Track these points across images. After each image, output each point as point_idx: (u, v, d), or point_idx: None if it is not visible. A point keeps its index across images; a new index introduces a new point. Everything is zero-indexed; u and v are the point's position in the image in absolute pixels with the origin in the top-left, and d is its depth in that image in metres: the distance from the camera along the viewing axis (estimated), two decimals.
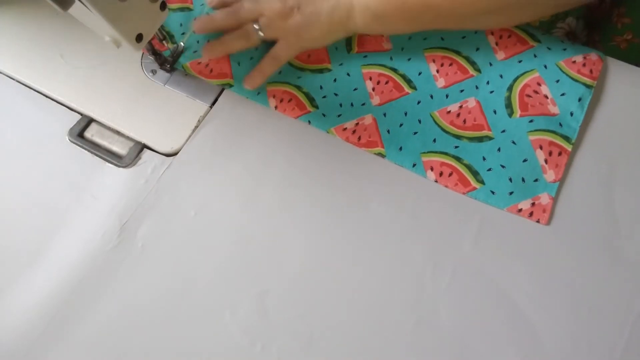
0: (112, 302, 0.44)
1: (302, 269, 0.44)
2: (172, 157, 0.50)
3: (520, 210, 0.45)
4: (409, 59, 0.52)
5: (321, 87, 0.52)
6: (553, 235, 0.45)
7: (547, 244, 0.44)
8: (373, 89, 0.51)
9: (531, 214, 0.45)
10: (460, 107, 0.50)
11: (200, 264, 0.45)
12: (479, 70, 0.51)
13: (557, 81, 0.49)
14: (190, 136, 0.51)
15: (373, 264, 0.44)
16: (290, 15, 0.50)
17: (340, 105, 0.51)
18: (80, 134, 0.52)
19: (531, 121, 0.48)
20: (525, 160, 0.47)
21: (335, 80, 0.52)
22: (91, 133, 0.52)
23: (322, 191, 0.47)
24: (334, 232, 0.46)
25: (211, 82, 0.52)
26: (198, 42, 0.54)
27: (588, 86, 0.49)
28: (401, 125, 0.49)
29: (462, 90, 0.50)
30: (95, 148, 0.51)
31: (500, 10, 0.48)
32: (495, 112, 0.49)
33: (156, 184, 0.49)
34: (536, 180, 0.46)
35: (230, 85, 0.52)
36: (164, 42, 0.51)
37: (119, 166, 0.50)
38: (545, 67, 0.50)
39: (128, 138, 0.51)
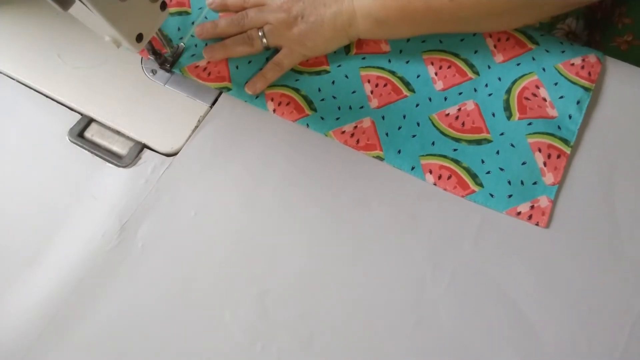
0: (112, 302, 0.44)
1: (302, 269, 0.44)
2: (172, 157, 0.50)
3: (519, 213, 0.45)
4: (408, 62, 0.52)
5: (319, 90, 0.52)
6: (553, 235, 0.45)
7: (547, 244, 0.44)
8: (371, 92, 0.51)
9: (530, 217, 0.45)
10: (459, 109, 0.50)
11: (200, 264, 0.45)
12: (477, 73, 0.51)
13: (556, 84, 0.49)
14: (190, 136, 0.51)
15: (373, 264, 0.44)
16: (294, 24, 0.50)
17: (339, 108, 0.51)
18: (80, 134, 0.52)
19: (530, 124, 0.48)
20: (524, 163, 0.47)
21: (333, 82, 0.52)
22: (91, 133, 0.52)
23: (322, 191, 0.47)
24: (334, 232, 0.46)
25: (209, 85, 0.52)
26: (196, 45, 0.54)
27: (586, 89, 0.49)
28: (400, 128, 0.49)
29: (460, 93, 0.50)
30: (95, 148, 0.51)
31: (501, 13, 0.48)
32: (493, 114, 0.49)
33: (156, 184, 0.49)
34: (535, 183, 0.46)
35: (229, 89, 0.52)
36: (163, 46, 0.51)
37: (119, 166, 0.50)
38: (544, 69, 0.50)
39: (128, 138, 0.51)
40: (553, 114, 0.48)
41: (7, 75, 0.55)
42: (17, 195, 0.49)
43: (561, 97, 0.49)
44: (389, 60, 0.53)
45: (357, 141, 0.49)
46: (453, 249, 0.44)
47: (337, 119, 0.50)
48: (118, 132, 0.52)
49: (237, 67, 0.53)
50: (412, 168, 0.47)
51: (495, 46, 0.52)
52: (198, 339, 0.42)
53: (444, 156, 0.48)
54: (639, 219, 0.45)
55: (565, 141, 0.47)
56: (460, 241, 0.45)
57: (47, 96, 0.54)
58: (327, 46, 0.52)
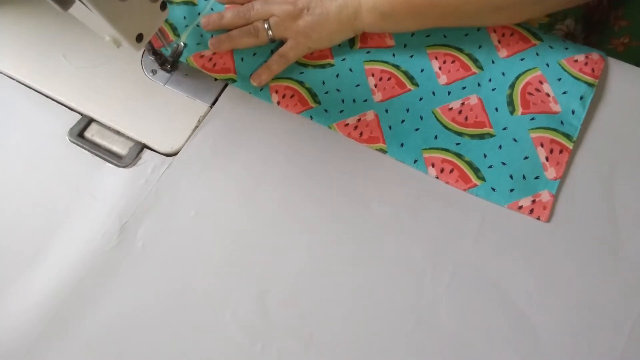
0: (112, 302, 0.44)
1: (302, 269, 0.44)
2: (172, 157, 0.50)
3: (520, 207, 0.45)
4: (412, 56, 0.53)
5: (323, 83, 0.52)
6: (553, 235, 0.45)
7: (547, 243, 0.44)
8: (375, 86, 0.51)
9: (532, 211, 0.45)
10: (462, 104, 0.50)
11: (200, 264, 0.45)
12: (481, 68, 0.51)
13: (559, 79, 0.50)
14: (190, 136, 0.51)
15: (373, 264, 0.44)
16: (300, 16, 0.51)
17: (343, 101, 0.51)
18: (80, 134, 0.52)
19: (532, 119, 0.48)
20: (526, 158, 0.47)
21: (337, 76, 0.52)
22: (91, 133, 0.52)
23: (322, 191, 0.47)
24: (334, 232, 0.46)
25: (214, 76, 0.53)
26: (202, 35, 0.54)
27: (590, 85, 0.49)
28: (403, 121, 0.49)
29: (464, 88, 0.51)
30: (95, 148, 0.51)
31: (506, 7, 0.48)
32: (496, 109, 0.49)
33: (156, 184, 0.49)
34: (537, 177, 0.46)
35: (234, 81, 0.52)
36: (167, 37, 0.51)
37: (119, 166, 0.50)
38: (547, 65, 0.50)
39: (128, 138, 0.51)
40: (556, 109, 0.49)
41: (8, 76, 0.55)
42: (17, 195, 0.49)
43: (564, 92, 0.49)
44: (393, 55, 0.53)
45: (361, 134, 0.49)
46: (453, 249, 0.44)
47: (341, 111, 0.50)
48: (118, 132, 0.52)
49: (242, 59, 0.53)
50: (415, 161, 0.48)
51: (499, 41, 0.52)
52: (198, 339, 0.42)
53: (447, 150, 0.48)
54: (639, 218, 0.45)
55: (568, 136, 0.47)
56: (460, 241, 0.45)
57: (47, 96, 0.54)
58: (332, 39, 0.52)
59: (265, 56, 0.53)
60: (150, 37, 0.46)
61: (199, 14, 0.56)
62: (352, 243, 0.45)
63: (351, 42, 0.54)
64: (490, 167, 0.47)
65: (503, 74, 0.51)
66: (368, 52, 0.53)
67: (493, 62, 0.51)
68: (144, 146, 0.51)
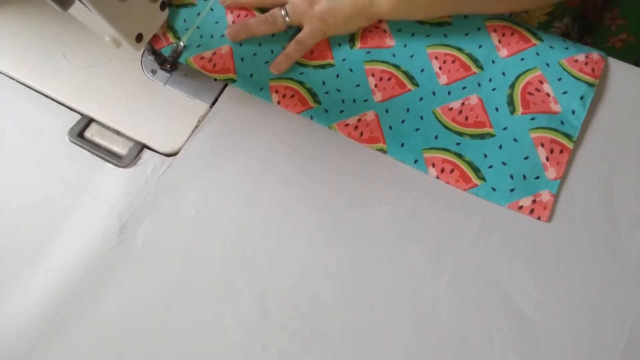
0: (112, 302, 0.44)
1: (302, 269, 0.44)
2: (172, 157, 0.50)
3: (521, 207, 0.45)
4: (412, 56, 0.53)
5: (324, 83, 0.52)
6: (553, 235, 0.44)
7: (547, 244, 0.44)
8: (375, 86, 0.51)
9: (532, 211, 0.45)
10: (462, 104, 0.50)
11: (200, 264, 0.45)
12: (481, 68, 0.51)
13: (559, 79, 0.50)
14: (190, 136, 0.51)
15: (373, 264, 0.44)
16: (316, 1, 0.52)
17: (343, 101, 0.51)
18: (80, 134, 0.52)
19: (533, 119, 0.48)
20: (526, 158, 0.47)
21: (337, 76, 0.52)
22: (91, 133, 0.52)
23: (322, 191, 0.47)
24: (334, 232, 0.46)
25: (214, 77, 0.53)
26: (202, 36, 0.54)
27: (590, 84, 0.49)
28: (403, 121, 0.49)
29: (464, 88, 0.51)
30: (95, 148, 0.51)
31: None
32: (497, 109, 0.49)
33: (156, 184, 0.49)
34: (537, 177, 0.46)
35: (233, 81, 0.52)
36: (167, 35, 0.52)
37: (119, 166, 0.50)
38: (548, 65, 0.50)
39: (128, 138, 0.51)
40: (556, 109, 0.49)
41: (8, 76, 0.55)
42: (17, 195, 0.49)
43: (565, 92, 0.49)
44: (394, 55, 0.53)
45: (361, 134, 0.49)
46: (453, 249, 0.44)
47: (341, 111, 0.50)
48: (118, 132, 0.52)
49: (242, 59, 0.53)
50: (415, 161, 0.48)
51: (499, 41, 0.52)
52: (198, 339, 0.42)
53: (447, 150, 0.48)
54: (639, 218, 0.45)
55: (568, 136, 0.47)
56: (460, 241, 0.45)
57: (47, 96, 0.54)
58: (347, 25, 0.53)
59: (266, 56, 0.53)
60: (150, 37, 0.46)
61: (198, 14, 0.56)
62: (352, 243, 0.45)
63: (351, 42, 0.54)
64: (491, 167, 0.47)
65: (503, 73, 0.51)
66: (368, 52, 0.53)
67: (493, 61, 0.51)
68: (144, 146, 0.51)
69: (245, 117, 0.51)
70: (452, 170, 0.47)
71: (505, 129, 0.48)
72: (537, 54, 0.51)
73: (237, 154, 0.50)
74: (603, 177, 0.46)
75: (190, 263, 0.45)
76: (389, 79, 0.52)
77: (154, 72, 0.54)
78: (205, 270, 0.45)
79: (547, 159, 0.47)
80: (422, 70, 0.52)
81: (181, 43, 0.54)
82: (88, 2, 0.39)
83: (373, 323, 0.42)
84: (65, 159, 0.51)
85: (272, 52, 0.54)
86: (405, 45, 0.53)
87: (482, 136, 0.48)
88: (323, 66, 0.53)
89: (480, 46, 0.52)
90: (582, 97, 0.49)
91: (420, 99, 0.50)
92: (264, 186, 0.48)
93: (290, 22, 0.53)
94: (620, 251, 0.43)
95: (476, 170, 0.47)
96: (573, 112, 0.48)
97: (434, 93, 0.51)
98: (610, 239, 0.44)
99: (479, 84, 0.51)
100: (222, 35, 0.54)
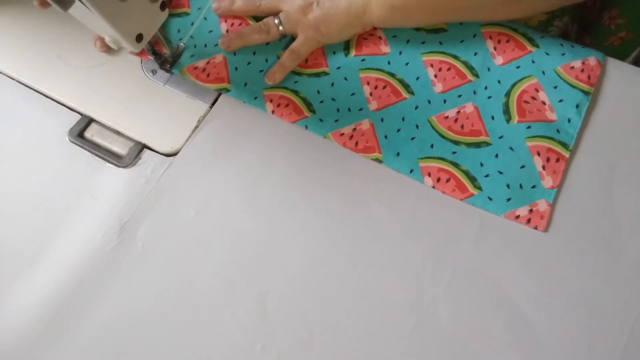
0: (112, 302, 0.44)
1: (302, 269, 0.44)
2: (172, 157, 0.50)
3: (517, 216, 0.45)
4: (407, 64, 0.52)
5: (318, 92, 0.52)
6: (553, 235, 0.45)
7: (547, 244, 0.44)
8: (370, 94, 0.51)
9: (529, 221, 0.45)
10: (458, 112, 0.50)
11: (200, 264, 0.45)
12: (477, 75, 0.51)
13: (555, 87, 0.49)
14: (190, 136, 0.51)
15: (373, 264, 0.44)
16: (309, 9, 0.51)
17: (338, 110, 0.51)
18: (80, 134, 0.52)
19: (529, 127, 0.48)
20: (522, 167, 0.47)
21: (332, 84, 0.52)
22: (91, 133, 0.52)
23: (321, 191, 0.47)
24: (334, 232, 0.46)
25: (208, 86, 0.52)
26: (195, 46, 0.54)
27: (586, 92, 0.49)
28: (398, 130, 0.49)
29: (460, 96, 0.50)
30: (95, 148, 0.51)
31: None
32: (493, 117, 0.49)
33: (156, 184, 0.49)
34: (534, 186, 0.46)
35: (227, 90, 0.52)
36: (163, 47, 0.51)
37: (119, 166, 0.50)
38: (543, 73, 0.50)
39: (128, 138, 0.51)
40: (552, 117, 0.48)
41: (7, 76, 0.55)
42: (17, 195, 0.49)
43: (560, 100, 0.49)
44: (389, 62, 0.52)
45: (356, 143, 0.49)
46: (453, 250, 0.44)
47: (336, 120, 0.50)
48: (118, 132, 0.52)
49: (236, 69, 0.53)
50: (411, 171, 0.47)
51: (495, 48, 0.52)
52: (198, 339, 0.42)
53: (443, 159, 0.48)
54: (638, 221, 0.45)
55: (565, 145, 0.47)
56: (460, 242, 0.45)
57: (47, 96, 0.54)
58: (341, 33, 0.52)
59: (260, 65, 0.53)
60: (150, 37, 0.46)
61: (192, 23, 0.55)
62: (352, 243, 0.45)
63: (346, 50, 0.53)
64: (487, 176, 0.47)
65: (499, 81, 0.51)
66: (363, 60, 0.53)
67: (489, 69, 0.51)
68: (144, 146, 0.51)
69: (245, 118, 0.51)
70: (448, 180, 0.47)
71: (501, 137, 0.48)
72: (533, 62, 0.51)
73: (237, 154, 0.50)
74: (602, 177, 0.46)
75: (190, 263, 0.45)
76: (384, 87, 0.51)
77: (154, 72, 0.54)
78: (205, 271, 0.45)
79: (544, 167, 0.46)
80: (418, 78, 0.51)
81: (181, 44, 0.54)
82: (88, 2, 0.39)
83: (373, 323, 0.42)
84: (65, 159, 0.51)
85: (266, 60, 0.53)
86: (400, 53, 0.53)
87: (478, 145, 0.48)
88: (318, 74, 0.53)
89: (475, 53, 0.52)
90: (577, 106, 0.48)
91: (416, 108, 0.50)
92: (263, 186, 0.48)
93: (284, 31, 0.53)
94: (620, 251, 0.43)
95: (472, 180, 0.47)
96: (569, 121, 0.48)
97: (429, 101, 0.50)
98: (610, 239, 0.44)
99: (474, 92, 0.50)
100: (216, 45, 0.54)
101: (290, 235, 0.46)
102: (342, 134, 0.49)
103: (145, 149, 0.51)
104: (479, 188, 0.46)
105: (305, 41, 0.52)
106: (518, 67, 0.51)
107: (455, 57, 0.52)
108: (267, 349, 0.42)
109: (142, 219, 0.47)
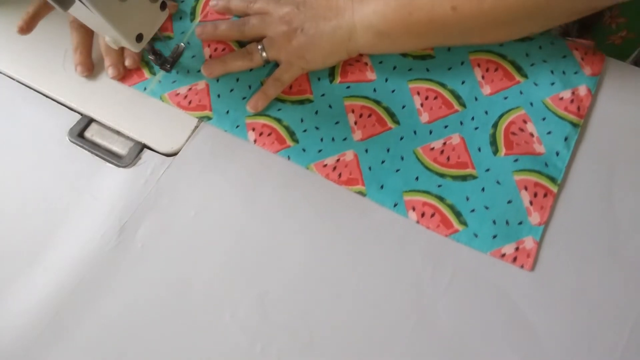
0: (112, 302, 0.44)
1: (302, 269, 0.44)
2: (172, 157, 0.50)
3: (503, 255, 0.44)
4: (393, 91, 0.51)
5: (302, 120, 0.50)
6: (553, 235, 0.44)
7: (547, 244, 0.44)
8: (355, 123, 0.50)
9: (515, 259, 0.43)
10: (444, 143, 0.48)
11: (200, 264, 0.45)
12: (464, 105, 0.50)
13: (543, 119, 0.48)
14: (190, 136, 0.51)
15: (372, 264, 0.44)
16: (293, 36, 0.49)
17: (321, 139, 0.49)
18: (80, 134, 0.52)
19: (516, 160, 0.47)
20: (509, 202, 0.45)
21: (316, 112, 0.50)
22: (91, 133, 0.52)
23: (321, 192, 0.47)
24: (334, 233, 0.46)
25: (189, 114, 0.51)
26: (177, 72, 0.53)
27: (574, 125, 0.48)
28: (383, 162, 0.48)
29: (446, 126, 0.49)
30: (95, 148, 0.51)
31: (506, 23, 0.46)
32: (479, 149, 0.48)
33: (156, 184, 0.49)
34: (520, 223, 0.44)
35: (209, 118, 0.51)
36: (142, 71, 0.51)
37: (118, 166, 0.50)
38: (531, 104, 0.49)
39: (128, 138, 0.51)
40: (540, 150, 0.47)
41: (7, 75, 0.55)
42: (17, 195, 0.49)
43: (549, 132, 0.48)
44: (374, 89, 0.51)
45: (339, 175, 0.47)
46: (453, 250, 0.44)
47: (320, 151, 0.49)
48: (118, 132, 0.52)
49: (218, 96, 0.52)
50: (395, 205, 0.46)
51: (483, 77, 0.51)
52: (198, 339, 0.42)
53: (428, 192, 0.46)
54: (638, 221, 0.45)
55: (553, 179, 0.46)
56: (460, 242, 0.45)
57: (47, 96, 0.54)
58: (325, 60, 0.51)
59: (243, 92, 0.52)
60: (150, 37, 0.46)
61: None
62: (352, 243, 0.45)
63: (331, 77, 0.52)
64: (473, 211, 0.45)
65: (486, 112, 0.49)
66: (348, 87, 0.51)
67: (476, 99, 0.50)
68: (144, 146, 0.51)
69: None
70: (432, 215, 0.45)
71: (487, 170, 0.47)
72: (521, 93, 0.49)
73: (237, 155, 0.50)
74: (602, 177, 0.46)
75: (189, 263, 0.45)
76: (369, 116, 0.50)
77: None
78: (205, 271, 0.45)
79: (531, 203, 0.45)
80: (404, 107, 0.50)
81: (182, 44, 0.54)
82: (88, 2, 0.39)
83: (373, 323, 0.42)
84: (65, 159, 0.51)
85: (249, 87, 0.52)
86: (386, 80, 0.51)
87: (464, 178, 0.47)
88: (302, 102, 0.51)
89: (463, 82, 0.51)
90: (566, 139, 0.47)
91: (401, 138, 0.49)
92: (263, 186, 0.48)
93: (267, 57, 0.51)
94: (620, 252, 0.43)
95: (458, 215, 0.45)
96: (557, 154, 0.47)
97: (415, 132, 0.49)
98: (610, 240, 0.44)
99: (461, 123, 0.49)
100: (199, 71, 0.53)
101: (290, 236, 0.46)
102: (325, 165, 0.48)
103: (145, 149, 0.51)
104: (464, 224, 0.45)
105: (289, 68, 0.51)
106: (506, 98, 0.49)
107: (442, 85, 0.51)
108: (267, 349, 0.42)
109: (141, 219, 0.47)
